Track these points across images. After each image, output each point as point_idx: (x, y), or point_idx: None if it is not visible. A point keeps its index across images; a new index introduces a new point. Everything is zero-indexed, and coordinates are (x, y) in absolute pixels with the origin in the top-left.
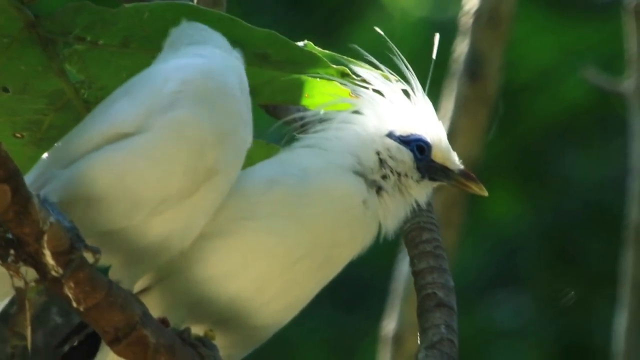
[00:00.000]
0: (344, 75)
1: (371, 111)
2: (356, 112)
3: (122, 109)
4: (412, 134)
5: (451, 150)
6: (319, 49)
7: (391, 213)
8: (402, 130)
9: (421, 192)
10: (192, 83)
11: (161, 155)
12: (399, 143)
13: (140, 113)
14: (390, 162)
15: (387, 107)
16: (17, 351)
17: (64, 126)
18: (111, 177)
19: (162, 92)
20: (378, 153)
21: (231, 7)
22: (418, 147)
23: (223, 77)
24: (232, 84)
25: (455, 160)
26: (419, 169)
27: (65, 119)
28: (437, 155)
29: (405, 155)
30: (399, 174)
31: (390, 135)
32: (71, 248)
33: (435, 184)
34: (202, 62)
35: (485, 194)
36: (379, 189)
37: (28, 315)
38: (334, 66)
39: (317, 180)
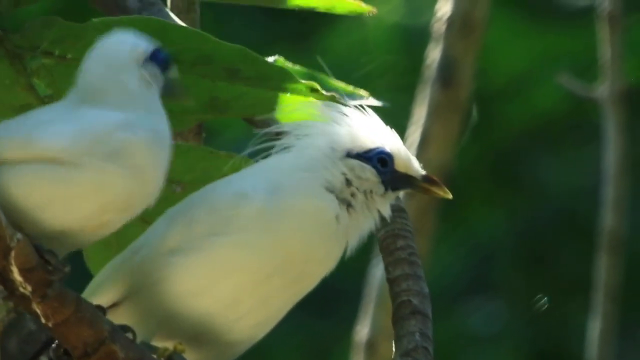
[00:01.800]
0: (313, 90)
1: (323, 135)
2: (307, 137)
3: (64, 130)
4: (370, 149)
5: (412, 157)
6: (289, 64)
7: (359, 230)
8: (359, 147)
9: (385, 204)
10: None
11: (75, 195)
12: (360, 161)
13: (81, 145)
14: (356, 182)
15: (337, 127)
16: None
17: None
18: (33, 195)
19: (109, 136)
20: (344, 173)
21: (203, 12)
22: (380, 160)
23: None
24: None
25: (417, 167)
26: (383, 182)
27: None
28: (399, 165)
29: (369, 173)
30: (364, 192)
31: (349, 154)
32: (45, 271)
33: (399, 193)
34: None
35: (450, 196)
36: (348, 206)
37: None
38: (303, 82)
39: (290, 195)
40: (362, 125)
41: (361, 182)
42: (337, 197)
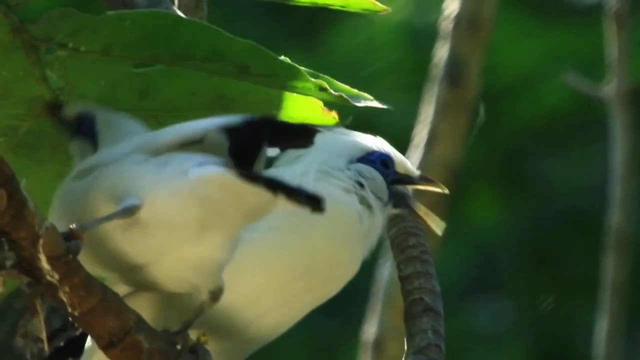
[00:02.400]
0: (321, 89)
1: (325, 144)
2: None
3: None
4: (371, 152)
5: (402, 157)
6: (296, 64)
7: (377, 230)
8: (359, 152)
9: (384, 217)
10: None
11: None
12: (365, 164)
13: None
14: (368, 184)
15: (333, 136)
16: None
17: (41, 132)
18: None
19: None
20: (355, 177)
21: (211, 11)
22: (382, 162)
23: None
24: None
25: (412, 167)
26: (387, 185)
27: (43, 126)
28: (399, 166)
29: (377, 176)
30: (375, 194)
31: (351, 160)
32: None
33: (396, 211)
34: None
35: (447, 191)
36: (367, 206)
37: (42, 317)
38: (313, 80)
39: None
40: (354, 133)
41: (373, 185)
42: (359, 198)
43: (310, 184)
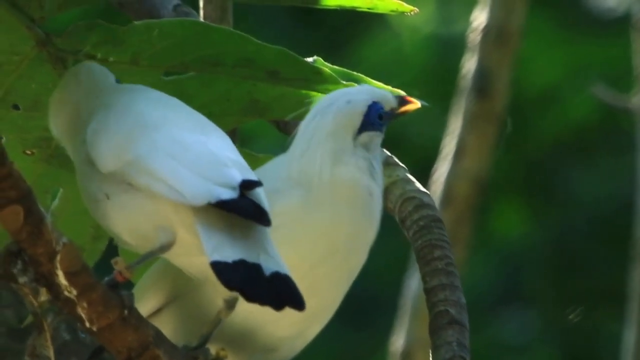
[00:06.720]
0: None
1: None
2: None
3: None
4: (366, 115)
5: (383, 90)
6: (329, 64)
7: (380, 191)
8: (358, 120)
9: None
10: None
11: None
12: (367, 131)
13: None
14: (373, 151)
15: (331, 115)
16: None
17: None
18: None
19: None
20: (364, 156)
21: (237, 22)
22: (379, 117)
23: None
24: None
25: (391, 97)
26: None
27: None
28: (386, 106)
29: (376, 138)
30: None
31: (355, 133)
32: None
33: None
34: None
35: (419, 105)
36: (372, 176)
37: (48, 335)
38: (344, 82)
39: (324, 185)
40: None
41: (375, 150)
42: (368, 174)
43: (325, 166)
